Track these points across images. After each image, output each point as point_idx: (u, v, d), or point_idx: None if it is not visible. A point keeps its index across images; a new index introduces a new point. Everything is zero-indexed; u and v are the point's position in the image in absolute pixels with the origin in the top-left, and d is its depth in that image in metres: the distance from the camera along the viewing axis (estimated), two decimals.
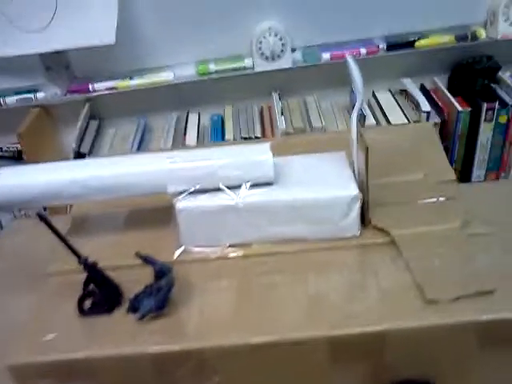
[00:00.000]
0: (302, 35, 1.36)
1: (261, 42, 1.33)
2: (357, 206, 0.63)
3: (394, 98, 1.43)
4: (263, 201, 0.63)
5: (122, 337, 0.56)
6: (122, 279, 0.62)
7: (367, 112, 1.36)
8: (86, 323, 0.59)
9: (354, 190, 0.63)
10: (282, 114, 1.37)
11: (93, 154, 1.37)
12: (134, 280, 0.61)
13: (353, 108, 0.67)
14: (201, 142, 1.37)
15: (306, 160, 0.71)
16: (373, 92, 1.44)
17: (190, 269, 0.65)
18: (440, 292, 0.55)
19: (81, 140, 1.38)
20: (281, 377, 0.57)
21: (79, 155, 1.34)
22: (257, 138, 1.33)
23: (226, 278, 0.63)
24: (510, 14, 1.22)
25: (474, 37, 1.27)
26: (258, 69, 1.37)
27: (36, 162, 1.35)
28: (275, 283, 0.61)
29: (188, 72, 1.39)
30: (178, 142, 1.35)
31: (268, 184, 0.65)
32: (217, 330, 0.56)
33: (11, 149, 1.43)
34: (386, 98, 1.43)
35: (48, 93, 1.38)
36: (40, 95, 1.38)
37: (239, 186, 0.65)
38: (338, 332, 0.54)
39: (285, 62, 1.36)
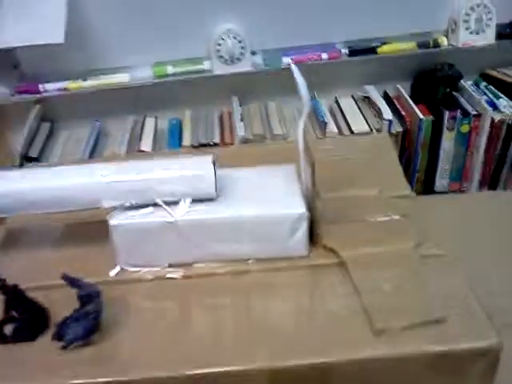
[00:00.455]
0: (262, 38, 1.32)
1: (220, 45, 1.29)
2: (304, 225, 0.59)
3: (357, 104, 1.40)
4: (203, 218, 0.59)
5: (41, 368, 0.51)
6: (52, 301, 0.57)
7: (328, 118, 1.34)
8: (6, 351, 0.54)
9: (300, 208, 0.59)
10: (242, 119, 1.33)
11: (43, 158, 1.30)
12: (64, 302, 0.56)
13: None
14: (157, 148, 1.31)
15: (254, 173, 0.67)
16: (335, 98, 1.41)
17: (125, 290, 0.60)
18: (389, 320, 0.52)
19: (30, 143, 1.31)
20: None
21: (28, 159, 1.27)
22: (215, 144, 1.28)
23: (162, 301, 0.58)
24: (471, 23, 1.20)
25: (436, 44, 1.26)
26: (216, 72, 1.33)
27: None
28: (215, 307, 0.57)
29: (145, 74, 1.33)
30: (134, 147, 1.30)
31: (210, 199, 0.61)
32: (149, 361, 0.52)
33: None
34: (348, 105, 1.40)
35: None
36: None
37: (179, 202, 0.60)
38: (279, 363, 0.50)
39: (244, 66, 1.32)
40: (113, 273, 0.62)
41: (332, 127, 1.31)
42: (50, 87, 1.31)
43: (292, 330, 0.54)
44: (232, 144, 1.29)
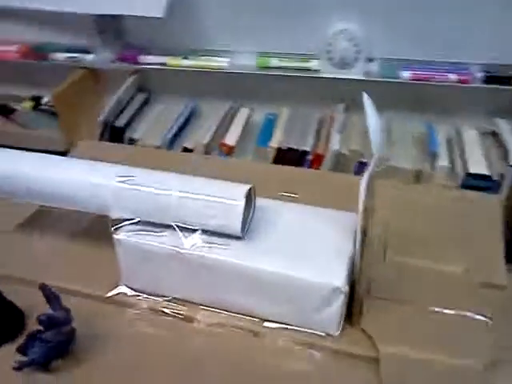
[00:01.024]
0: (382, 45, 1.16)
1: (331, 45, 1.15)
2: (338, 301, 0.46)
3: (481, 139, 1.20)
4: (217, 259, 0.48)
5: None
6: (39, 302, 0.49)
7: (442, 150, 1.15)
8: None
9: (338, 279, 0.45)
10: (341, 131, 1.19)
11: (129, 129, 1.27)
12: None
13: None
14: (243, 143, 1.22)
15: (304, 214, 0.54)
16: (456, 128, 1.21)
17: (114, 315, 0.51)
18: None
19: (120, 112, 1.28)
20: None
21: (113, 128, 1.24)
22: (305, 152, 1.16)
23: (147, 338, 0.49)
24: None
25: None
26: (324, 74, 1.20)
27: (69, 125, 1.28)
28: (200, 365, 0.46)
29: (247, 62, 1.24)
30: (219, 137, 1.22)
31: (235, 237, 0.49)
32: None
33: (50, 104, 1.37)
34: (470, 138, 1.19)
35: (97, 56, 1.30)
36: (89, 57, 1.30)
37: (195, 231, 0.49)
38: None
39: (356, 72, 1.17)
40: (112, 292, 0.53)
41: (444, 161, 1.13)
42: (150, 60, 1.27)
43: None
44: (323, 156, 1.15)
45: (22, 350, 0.46)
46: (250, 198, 0.51)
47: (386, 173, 1.14)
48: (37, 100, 1.42)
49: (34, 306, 0.46)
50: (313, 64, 1.20)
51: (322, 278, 0.45)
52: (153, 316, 0.51)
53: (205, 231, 0.49)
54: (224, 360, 0.47)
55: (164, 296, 0.52)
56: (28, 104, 1.42)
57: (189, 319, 0.51)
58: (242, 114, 1.29)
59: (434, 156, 1.12)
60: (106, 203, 0.51)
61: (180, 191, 0.49)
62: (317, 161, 1.13)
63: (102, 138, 1.20)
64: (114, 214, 0.51)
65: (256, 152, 1.17)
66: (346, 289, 0.45)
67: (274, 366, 0.46)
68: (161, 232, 0.50)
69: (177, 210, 0.49)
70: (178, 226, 0.49)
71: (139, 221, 0.51)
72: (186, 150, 1.19)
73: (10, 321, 0.49)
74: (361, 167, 1.16)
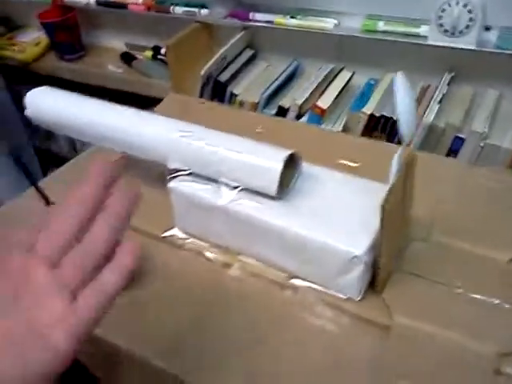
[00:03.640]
0: (503, 13, 1.07)
1: (444, 11, 1.09)
2: (358, 269, 0.48)
3: None
4: (251, 215, 0.52)
5: None
6: None
7: None
8: None
9: (360, 248, 0.47)
10: (441, 101, 1.14)
11: (231, 84, 1.33)
12: None
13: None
14: (335, 105, 1.22)
15: (348, 184, 0.56)
16: None
17: (165, 253, 0.58)
18: None
19: (225, 67, 1.34)
20: None
21: (216, 82, 1.31)
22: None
23: (190, 279, 0.55)
24: None
25: None
26: (432, 41, 1.14)
27: (178, 75, 1.36)
28: (228, 306, 0.51)
29: (353, 24, 1.22)
30: (314, 99, 1.23)
31: (272, 197, 0.53)
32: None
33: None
34: None
35: (212, 11, 1.35)
36: (204, 12, 1.36)
37: (236, 187, 0.54)
38: None
39: (467, 41, 1.10)
40: (166, 233, 0.59)
41: None
42: (259, 17, 1.30)
43: (277, 370, 0.45)
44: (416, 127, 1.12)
45: None
46: (294, 161, 0.54)
47: (482, 150, 1.08)
48: (156, 50, 1.53)
49: None
50: (421, 30, 1.14)
51: (343, 245, 0.48)
52: (197, 258, 0.57)
53: (244, 188, 0.53)
54: (250, 305, 0.51)
55: (209, 242, 0.58)
56: (149, 53, 1.53)
57: (227, 265, 0.56)
58: (343, 76, 1.28)
59: None
60: (165, 154, 0.57)
61: (227, 149, 0.53)
62: None
63: (203, 91, 1.27)
64: (171, 165, 0.57)
65: (348, 117, 1.16)
66: (366, 258, 0.47)
67: (294, 317, 0.50)
68: (207, 184, 0.55)
69: (222, 166, 0.54)
70: (221, 181, 0.54)
71: (191, 172, 0.56)
72: (280, 108, 1.22)
73: None
74: (458, 143, 1.11)
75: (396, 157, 0.47)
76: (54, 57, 1.64)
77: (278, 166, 0.51)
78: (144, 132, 0.59)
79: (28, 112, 0.64)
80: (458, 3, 1.06)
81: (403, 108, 0.45)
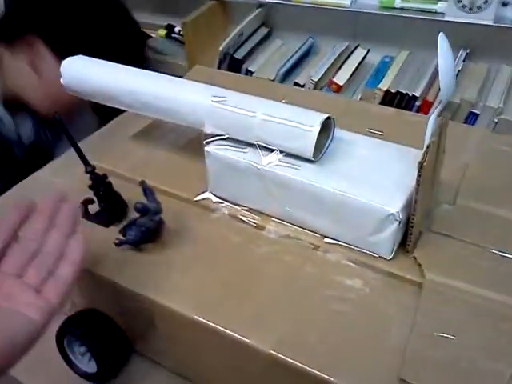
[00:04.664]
0: None
1: None
2: (392, 227, 0.50)
3: None
4: (288, 177, 0.54)
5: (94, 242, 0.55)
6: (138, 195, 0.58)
7: None
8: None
9: (395, 207, 0.49)
10: (456, 78, 1.15)
11: (247, 61, 1.34)
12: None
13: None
14: (351, 82, 1.23)
15: (380, 148, 0.58)
16: None
17: (198, 216, 0.60)
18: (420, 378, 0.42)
19: (241, 44, 1.35)
20: None
21: (232, 59, 1.32)
22: (414, 97, 1.14)
23: (223, 241, 0.57)
24: None
25: None
26: (449, 17, 1.15)
27: (194, 53, 1.37)
28: (261, 267, 0.53)
29: (369, 1, 1.22)
30: (329, 75, 1.24)
31: (308, 160, 0.54)
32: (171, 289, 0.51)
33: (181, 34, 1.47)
34: None
35: None
36: None
37: (273, 151, 0.55)
38: (279, 355, 0.45)
39: (485, 17, 1.11)
40: (199, 197, 0.61)
41: None
42: None
43: (311, 328, 0.47)
44: (432, 103, 1.13)
45: (122, 231, 0.57)
46: (327, 126, 0.55)
47: (496, 126, 1.10)
48: (170, 29, 1.54)
49: (135, 199, 0.55)
50: (438, 6, 1.15)
51: (379, 203, 0.49)
52: (231, 221, 0.59)
53: (281, 152, 0.55)
54: (284, 266, 0.53)
55: (242, 206, 0.59)
56: (162, 32, 1.54)
57: (260, 228, 0.58)
58: (358, 53, 1.29)
59: None
60: (201, 119, 0.58)
61: (263, 114, 0.55)
62: (424, 107, 1.12)
63: (220, 67, 1.28)
64: (207, 130, 0.58)
65: (364, 93, 1.17)
66: (401, 217, 0.49)
67: (327, 277, 0.52)
68: (244, 149, 0.57)
69: (259, 130, 0.55)
70: (258, 145, 0.56)
71: (227, 137, 0.58)
72: (296, 85, 1.23)
73: (117, 207, 0.60)
74: (472, 118, 1.12)
75: (432, 117, 0.49)
76: None
77: (315, 129, 0.52)
78: (179, 97, 0.60)
79: (64, 81, 0.66)
80: None
81: (445, 65, 0.46)
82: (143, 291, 0.51)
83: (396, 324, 0.47)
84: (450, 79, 0.47)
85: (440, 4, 1.15)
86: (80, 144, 0.56)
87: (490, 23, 1.11)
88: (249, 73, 1.30)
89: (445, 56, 0.46)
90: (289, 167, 0.54)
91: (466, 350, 0.44)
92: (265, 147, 0.56)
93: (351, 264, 0.53)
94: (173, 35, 1.50)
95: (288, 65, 1.28)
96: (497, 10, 1.09)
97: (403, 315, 0.48)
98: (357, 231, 0.52)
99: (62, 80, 0.66)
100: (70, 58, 0.66)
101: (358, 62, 1.26)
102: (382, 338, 0.46)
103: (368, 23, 1.28)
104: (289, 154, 0.55)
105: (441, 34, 0.47)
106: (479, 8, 1.10)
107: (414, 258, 0.52)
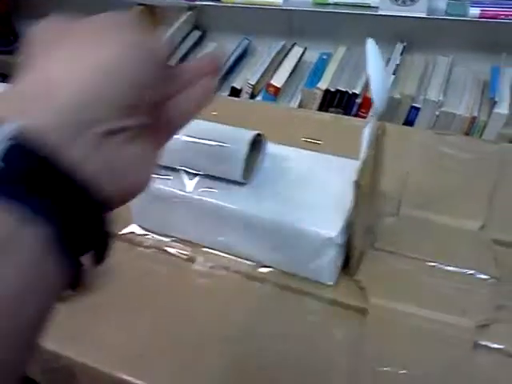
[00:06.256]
0: None
1: None
2: (331, 252, 0.46)
3: None
4: (216, 204, 0.49)
5: None
6: None
7: (503, 96, 1.06)
8: None
9: (333, 230, 0.45)
10: (395, 72, 1.13)
11: None
12: None
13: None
14: (289, 83, 1.19)
15: (315, 162, 0.54)
16: None
17: (123, 251, 0.54)
18: None
19: (174, 49, 1.29)
20: None
21: None
22: (353, 94, 1.12)
23: (151, 277, 0.51)
24: None
25: None
26: (383, 11, 1.13)
27: None
28: (194, 302, 0.48)
29: None
30: (267, 78, 1.20)
31: (238, 183, 0.50)
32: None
33: None
34: None
35: None
36: None
37: (199, 175, 0.50)
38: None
39: (418, 9, 1.10)
40: (123, 231, 0.56)
41: (503, 108, 1.05)
42: None
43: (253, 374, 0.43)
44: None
45: None
46: (258, 143, 0.51)
47: (438, 119, 1.08)
48: None
49: None
50: (373, 0, 1.13)
51: (316, 228, 0.45)
52: (158, 254, 0.54)
53: (208, 175, 0.50)
54: (217, 299, 0.49)
55: (170, 236, 0.54)
56: None
57: (190, 259, 0.53)
58: (295, 53, 1.25)
59: (492, 102, 1.04)
60: None
61: (186, 135, 0.50)
62: (366, 104, 1.09)
63: None
64: None
65: (303, 94, 1.14)
66: (340, 240, 0.45)
67: (264, 308, 0.48)
68: (167, 175, 0.52)
69: (182, 154, 0.50)
70: (183, 170, 0.50)
71: None
72: (233, 89, 1.18)
73: None
74: (414, 113, 1.10)
75: (366, 130, 0.45)
76: None
77: (243, 149, 0.48)
78: None
79: None
80: None
81: (375, 76, 0.42)
82: (63, 350, 0.45)
83: (341, 359, 0.43)
84: (382, 86, 0.43)
85: None
86: None
87: (423, 15, 1.09)
88: None
89: (375, 66, 0.42)
90: (216, 192, 0.49)
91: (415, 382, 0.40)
92: (189, 172, 0.51)
93: (289, 293, 0.49)
94: None
95: (224, 69, 1.23)
96: (429, 2, 1.08)
97: (349, 347, 0.44)
98: (295, 258, 0.48)
99: None
100: None
101: (295, 61, 1.22)
102: (329, 378, 0.42)
103: (303, 21, 1.24)
104: (216, 178, 0.50)
105: (369, 40, 0.42)
106: (412, 1, 1.08)
107: (357, 281, 0.48)
